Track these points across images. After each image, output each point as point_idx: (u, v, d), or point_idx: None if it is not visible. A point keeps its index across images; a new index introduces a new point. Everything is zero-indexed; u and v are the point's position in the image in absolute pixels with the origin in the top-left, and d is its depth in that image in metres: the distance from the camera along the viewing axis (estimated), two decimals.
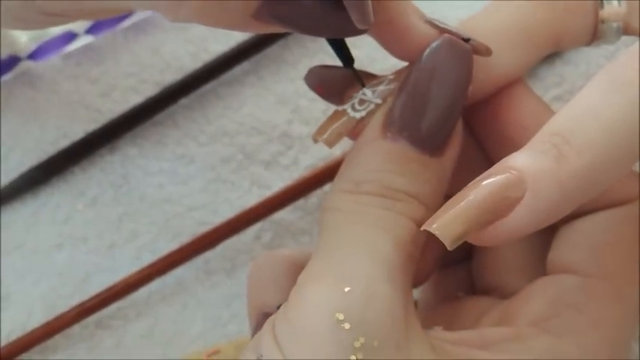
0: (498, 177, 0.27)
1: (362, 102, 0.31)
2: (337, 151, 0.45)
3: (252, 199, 0.45)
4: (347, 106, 0.31)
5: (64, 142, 0.47)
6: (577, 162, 0.26)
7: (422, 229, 0.27)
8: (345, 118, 0.32)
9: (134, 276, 0.44)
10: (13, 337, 0.44)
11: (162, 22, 0.49)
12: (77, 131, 0.47)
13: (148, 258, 0.45)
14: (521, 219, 0.26)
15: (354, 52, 0.46)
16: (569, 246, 0.33)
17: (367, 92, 0.32)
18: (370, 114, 0.31)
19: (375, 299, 0.28)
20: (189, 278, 0.45)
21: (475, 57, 0.31)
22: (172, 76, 0.47)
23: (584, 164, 0.26)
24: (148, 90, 0.48)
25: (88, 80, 0.48)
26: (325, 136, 0.32)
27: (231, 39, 0.48)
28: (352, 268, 0.29)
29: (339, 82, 0.34)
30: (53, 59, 0.49)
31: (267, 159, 0.46)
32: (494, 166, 0.27)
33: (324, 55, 0.47)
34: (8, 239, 0.46)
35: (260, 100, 0.47)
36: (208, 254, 0.45)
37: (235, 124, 0.47)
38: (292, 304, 0.29)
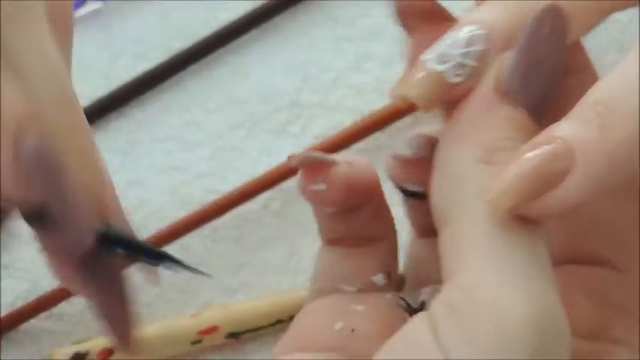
0: (545, 147, 0.26)
1: (462, 66, 0.28)
2: (347, 119, 0.45)
3: (261, 167, 0.45)
4: (446, 68, 0.28)
5: None
6: (622, 130, 0.26)
7: (484, 199, 0.27)
8: (440, 80, 0.29)
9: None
10: (18, 304, 0.44)
11: None
12: (85, 96, 0.47)
13: (156, 225, 0.44)
14: (573, 189, 0.26)
15: (365, 21, 0.47)
16: None
17: (454, 51, 0.29)
18: (468, 79, 0.29)
19: (554, 313, 0.27)
20: (197, 246, 0.45)
21: None
22: (181, 43, 0.47)
23: (629, 132, 0.26)
24: (156, 57, 0.47)
25: (96, 46, 0.48)
26: (417, 93, 0.29)
27: (239, 7, 0.47)
28: (525, 272, 0.27)
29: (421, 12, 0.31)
30: None
31: (276, 127, 0.46)
32: (539, 135, 0.27)
33: (334, 22, 0.47)
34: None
35: (268, 67, 0.47)
36: (216, 222, 0.45)
37: (244, 92, 0.46)
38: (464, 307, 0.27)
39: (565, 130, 0.27)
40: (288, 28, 0.47)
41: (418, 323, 0.27)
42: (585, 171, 0.26)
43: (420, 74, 0.28)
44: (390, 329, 0.28)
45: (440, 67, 0.28)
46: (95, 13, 0.48)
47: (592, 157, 0.26)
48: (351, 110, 0.45)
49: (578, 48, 0.32)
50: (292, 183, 0.44)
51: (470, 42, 0.29)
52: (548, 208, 0.26)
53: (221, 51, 0.47)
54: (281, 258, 0.44)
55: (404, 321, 0.28)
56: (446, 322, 0.26)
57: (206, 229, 0.45)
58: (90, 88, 0.47)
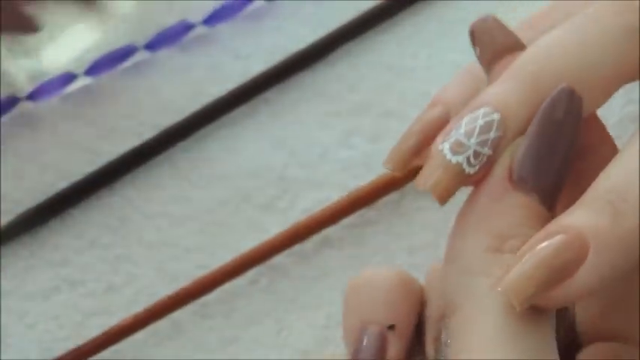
0: (559, 237, 0.27)
1: (477, 155, 0.29)
2: (334, 195, 0.45)
3: (250, 242, 0.45)
4: (461, 159, 0.29)
5: (63, 184, 0.47)
6: (634, 218, 0.27)
7: (493, 287, 0.27)
8: (456, 172, 0.29)
9: (131, 319, 0.44)
10: None
11: (160, 65, 0.49)
12: (75, 173, 0.47)
13: (146, 301, 0.45)
14: (587, 277, 0.27)
15: (352, 96, 0.47)
16: None
17: (470, 141, 0.29)
18: (482, 167, 0.29)
19: None
20: (186, 322, 0.45)
21: None
22: (170, 118, 0.48)
23: None
24: (146, 132, 0.48)
25: (86, 121, 0.48)
26: (433, 186, 0.29)
27: (229, 82, 0.48)
28: None
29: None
30: (52, 100, 0.49)
31: (264, 202, 0.46)
32: (552, 223, 0.28)
33: (321, 98, 0.47)
34: (5, 281, 0.46)
35: (257, 143, 0.47)
36: (205, 298, 0.45)
37: (233, 167, 0.47)
38: None
39: (578, 218, 0.27)
40: (278, 103, 0.48)
41: None
42: (598, 259, 0.27)
43: (436, 168, 0.29)
44: None
45: (455, 159, 0.29)
46: (85, 89, 0.49)
47: (605, 245, 0.27)
48: (338, 185, 0.46)
49: (594, 122, 0.32)
50: (280, 259, 0.45)
51: (485, 129, 0.29)
52: (562, 297, 0.27)
53: (210, 126, 0.48)
54: (269, 333, 0.44)
55: None
56: None
57: (195, 304, 0.45)
58: (80, 164, 0.47)
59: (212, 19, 0.49)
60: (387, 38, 0.48)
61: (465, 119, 0.29)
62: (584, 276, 0.27)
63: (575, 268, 0.26)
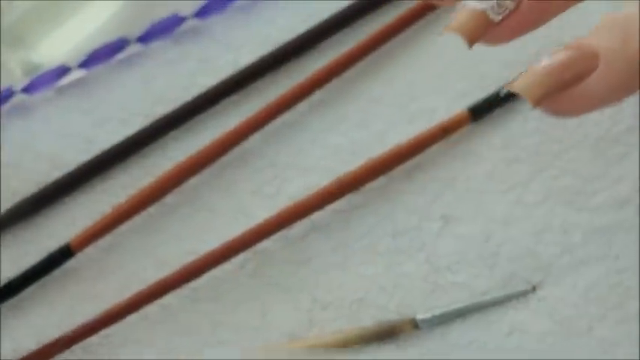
0: (574, 49, 0.30)
1: (500, 6, 0.31)
2: (321, 182, 0.46)
3: (238, 228, 0.46)
4: (486, 6, 0.31)
5: (57, 173, 0.48)
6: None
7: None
8: (481, 17, 0.32)
9: (122, 304, 0.45)
10: None
11: (153, 57, 0.50)
12: (70, 161, 0.48)
13: (136, 286, 0.45)
14: (597, 84, 0.30)
15: (340, 84, 0.48)
16: None
17: None
18: (505, 17, 0.32)
19: None
20: (175, 306, 0.45)
21: None
22: (163, 108, 0.49)
23: None
24: (139, 122, 0.49)
25: (80, 112, 0.49)
26: (461, 27, 0.31)
27: (220, 73, 0.49)
28: None
29: None
30: (47, 92, 0.50)
31: (253, 188, 0.47)
32: (566, 45, 0.31)
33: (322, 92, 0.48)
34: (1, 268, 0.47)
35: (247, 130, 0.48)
36: (195, 283, 0.45)
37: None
38: None
39: (592, 40, 0.31)
40: (269, 91, 0.49)
41: None
42: (607, 70, 0.30)
43: (465, 13, 0.31)
44: None
45: (481, 6, 0.31)
46: (80, 81, 0.50)
47: (614, 60, 0.30)
48: (326, 171, 0.46)
49: None
50: (266, 244, 0.45)
51: None
52: (573, 102, 0.31)
53: (202, 115, 0.49)
54: (256, 316, 0.45)
55: None
56: None
57: (185, 289, 0.45)
58: (75, 153, 0.48)
59: (203, 11, 0.50)
60: (375, 28, 0.49)
61: None
62: (594, 82, 0.30)
63: (586, 74, 0.30)
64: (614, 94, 0.31)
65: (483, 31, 0.31)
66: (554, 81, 0.30)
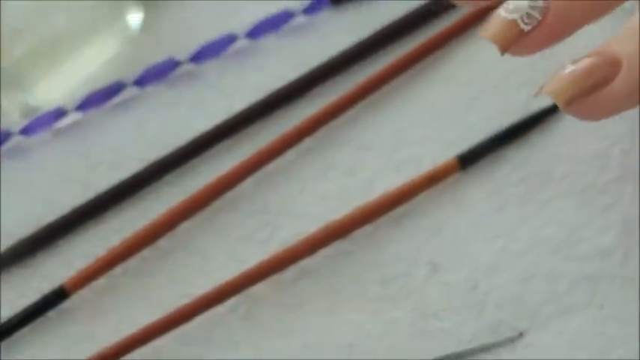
0: (597, 56, 0.32)
1: (529, 16, 0.33)
2: (311, 228, 0.46)
3: (230, 272, 0.46)
4: (517, 17, 0.33)
5: (52, 215, 0.49)
6: None
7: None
8: (513, 25, 0.33)
9: (114, 346, 0.45)
10: None
11: (148, 100, 0.51)
12: (64, 204, 0.49)
13: (128, 329, 0.46)
14: (621, 86, 0.32)
15: (329, 131, 0.49)
16: None
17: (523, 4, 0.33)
18: (534, 27, 0.33)
19: None
20: (167, 349, 0.46)
21: None
22: (156, 152, 0.49)
23: None
24: (134, 165, 0.49)
25: (76, 155, 0.50)
26: (494, 35, 0.33)
27: (213, 117, 0.50)
28: None
29: None
30: (44, 134, 0.51)
31: (244, 233, 0.48)
32: (589, 52, 0.32)
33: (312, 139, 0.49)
34: None
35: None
36: (186, 326, 0.46)
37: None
38: None
39: (613, 46, 0.32)
40: (261, 137, 0.49)
41: None
42: (630, 74, 0.31)
43: (497, 21, 0.33)
44: None
45: (512, 16, 0.33)
46: (76, 124, 0.51)
47: (636, 63, 0.32)
48: (316, 217, 0.47)
49: None
50: (258, 288, 0.46)
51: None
52: (601, 107, 0.32)
53: (195, 160, 0.49)
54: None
55: None
56: None
57: (176, 332, 0.46)
58: (69, 197, 0.49)
59: (198, 56, 0.51)
60: (365, 76, 0.50)
61: None
62: (619, 84, 0.31)
63: (611, 78, 0.32)
64: (636, 98, 0.32)
65: (515, 39, 0.33)
66: (579, 86, 0.31)
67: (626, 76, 0.32)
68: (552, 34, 0.33)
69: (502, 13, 0.33)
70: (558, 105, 0.32)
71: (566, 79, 0.32)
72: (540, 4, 0.33)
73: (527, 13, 0.33)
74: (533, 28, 0.33)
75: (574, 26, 0.33)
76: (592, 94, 0.32)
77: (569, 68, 0.32)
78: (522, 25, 0.33)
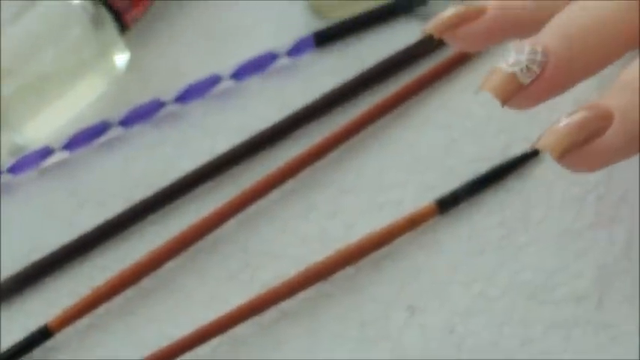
0: (589, 109, 0.33)
1: (528, 69, 0.34)
2: (291, 270, 0.47)
3: (212, 313, 0.47)
4: (516, 70, 0.34)
5: (38, 254, 0.49)
6: None
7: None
8: (512, 78, 0.34)
9: None
10: None
11: (133, 140, 0.51)
12: (50, 244, 0.49)
13: None
14: (613, 138, 0.33)
15: (311, 173, 0.49)
16: None
17: (522, 57, 0.34)
18: (532, 80, 0.34)
19: None
20: None
21: None
22: (141, 191, 0.50)
23: None
24: (119, 204, 0.50)
25: (62, 194, 0.51)
26: (493, 87, 0.34)
27: (197, 157, 0.50)
28: None
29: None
30: (30, 173, 0.51)
31: (226, 274, 0.48)
32: (581, 106, 0.33)
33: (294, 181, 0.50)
34: None
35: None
36: None
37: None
38: None
39: (605, 100, 0.33)
40: (243, 179, 0.50)
41: None
42: (622, 125, 0.33)
43: (496, 74, 0.34)
44: None
45: (511, 69, 0.34)
46: (63, 163, 0.51)
47: (627, 114, 0.33)
48: (297, 259, 0.48)
49: None
50: (239, 329, 0.47)
51: (532, 53, 0.35)
52: (593, 158, 0.33)
53: (178, 201, 0.50)
54: None
55: None
56: None
57: None
58: (55, 235, 0.50)
59: (182, 97, 0.52)
60: (346, 119, 0.51)
61: (517, 46, 0.35)
62: (611, 137, 0.32)
63: (603, 129, 0.32)
64: (627, 149, 0.33)
65: (515, 92, 0.34)
66: (573, 138, 0.32)
67: (618, 128, 0.33)
68: (551, 88, 0.34)
69: (502, 66, 0.34)
70: (552, 157, 0.33)
71: (559, 132, 0.33)
72: (539, 58, 0.34)
73: (526, 67, 0.34)
74: (533, 82, 0.34)
75: (573, 80, 0.35)
76: (584, 146, 0.33)
77: (564, 122, 0.33)
78: (522, 79, 0.34)
